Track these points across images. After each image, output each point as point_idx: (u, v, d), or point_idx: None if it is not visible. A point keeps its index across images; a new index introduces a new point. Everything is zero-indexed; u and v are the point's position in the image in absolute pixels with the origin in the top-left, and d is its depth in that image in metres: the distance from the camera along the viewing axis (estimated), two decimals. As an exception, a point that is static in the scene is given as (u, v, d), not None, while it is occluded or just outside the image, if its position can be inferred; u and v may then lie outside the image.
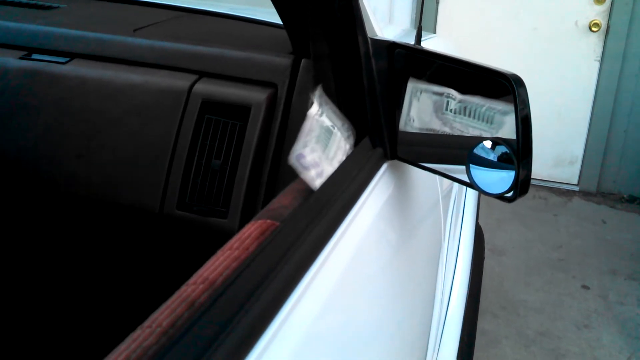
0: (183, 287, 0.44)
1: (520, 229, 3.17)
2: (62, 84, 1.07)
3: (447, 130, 0.75)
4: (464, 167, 0.71)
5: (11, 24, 1.15)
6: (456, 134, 0.74)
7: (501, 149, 0.67)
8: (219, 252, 0.49)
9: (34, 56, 1.11)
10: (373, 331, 0.67)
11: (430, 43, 1.58)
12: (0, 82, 1.09)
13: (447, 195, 1.37)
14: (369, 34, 0.80)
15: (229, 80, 1.04)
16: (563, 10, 3.43)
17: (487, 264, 2.54)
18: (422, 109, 0.77)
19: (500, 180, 0.68)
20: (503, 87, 0.67)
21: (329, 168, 0.65)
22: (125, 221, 1.08)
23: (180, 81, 1.04)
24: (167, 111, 1.03)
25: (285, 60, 1.03)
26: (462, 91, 0.72)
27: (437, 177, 1.03)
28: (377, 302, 0.70)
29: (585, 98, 3.55)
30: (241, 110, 1.01)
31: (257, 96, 1.01)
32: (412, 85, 0.78)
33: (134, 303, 1.07)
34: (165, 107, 1.03)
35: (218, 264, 0.47)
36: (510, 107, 0.67)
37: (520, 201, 0.69)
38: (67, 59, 1.09)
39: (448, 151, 0.77)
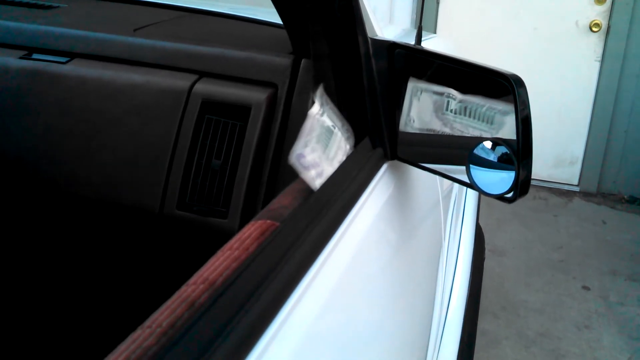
0: (183, 288, 0.44)
1: (521, 229, 3.17)
2: (62, 84, 1.07)
3: (447, 130, 0.75)
4: (464, 168, 0.71)
5: (11, 24, 1.15)
6: (456, 135, 0.74)
7: (501, 149, 0.67)
8: (219, 253, 0.49)
9: (35, 56, 1.11)
10: (373, 331, 0.67)
11: (430, 43, 1.58)
12: (1, 81, 1.09)
13: (447, 196, 1.37)
14: (369, 34, 0.80)
15: (229, 80, 1.04)
16: (563, 10, 3.43)
17: (488, 264, 2.54)
18: (423, 109, 0.77)
19: (500, 180, 0.68)
20: (503, 87, 0.67)
21: (329, 168, 0.65)
22: (125, 221, 1.08)
23: (181, 81, 1.04)
24: (168, 111, 1.03)
25: (285, 61, 1.03)
26: (463, 91, 0.72)
27: (437, 177, 1.03)
28: (377, 303, 0.70)
29: (586, 98, 3.55)
30: (241, 110, 1.01)
31: (257, 96, 1.01)
32: (412, 86, 0.78)
33: (134, 303, 1.07)
34: (165, 107, 1.03)
35: (218, 264, 0.47)
36: (510, 108, 0.67)
37: (520, 202, 0.69)
38: (68, 59, 1.09)
39: (448, 151, 0.77)
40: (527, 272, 2.77)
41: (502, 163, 0.68)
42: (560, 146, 3.65)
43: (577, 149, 3.65)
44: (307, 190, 0.62)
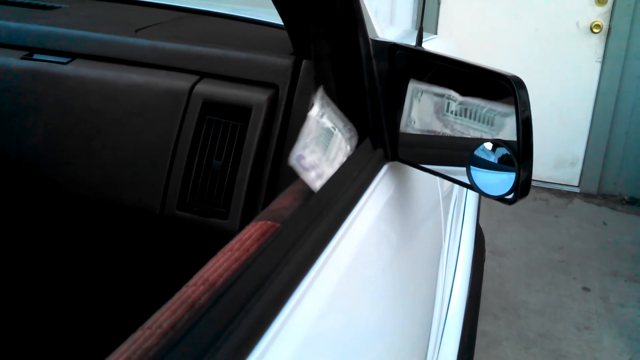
0: (183, 289, 0.44)
1: (521, 230, 3.17)
2: (63, 84, 1.07)
3: (447, 131, 0.75)
4: (464, 169, 0.71)
5: (13, 24, 1.15)
6: (457, 136, 0.74)
7: (502, 150, 0.67)
8: (220, 254, 0.49)
9: (36, 56, 1.11)
10: (373, 332, 0.67)
11: (431, 44, 1.58)
12: (2, 82, 1.09)
13: (447, 197, 1.37)
14: (370, 35, 0.80)
15: (230, 81, 1.04)
16: (564, 11, 3.43)
17: (488, 265, 2.54)
18: (423, 110, 0.77)
19: (500, 182, 0.68)
20: (504, 88, 0.67)
21: (329, 169, 0.65)
22: (126, 222, 1.08)
23: (181, 82, 1.04)
24: (168, 112, 1.03)
25: (286, 61, 1.03)
26: (463, 93, 0.72)
27: (437, 178, 1.03)
28: (378, 303, 0.70)
29: (587, 99, 3.55)
30: (242, 111, 1.01)
31: (258, 97, 1.01)
32: (413, 87, 0.78)
33: (135, 304, 1.07)
34: (166, 107, 1.03)
35: (218, 265, 0.47)
36: (511, 109, 0.67)
37: (521, 203, 0.69)
38: (69, 59, 1.10)
39: (448, 153, 0.77)
40: (528, 273, 2.77)
41: (503, 164, 0.68)
42: (560, 147, 3.65)
43: (578, 150, 3.65)
44: (308, 191, 0.62)
